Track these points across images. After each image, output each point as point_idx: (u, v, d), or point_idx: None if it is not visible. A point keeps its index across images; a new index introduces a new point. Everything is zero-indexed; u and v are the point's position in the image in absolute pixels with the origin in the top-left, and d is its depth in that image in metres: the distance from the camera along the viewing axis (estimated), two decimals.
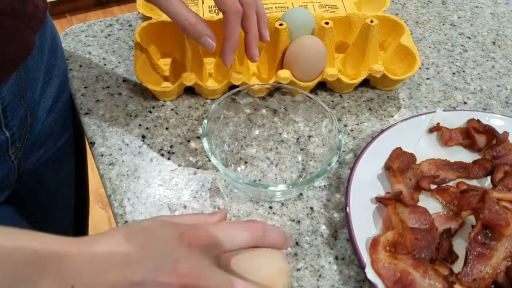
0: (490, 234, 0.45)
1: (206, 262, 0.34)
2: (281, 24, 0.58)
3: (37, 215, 0.69)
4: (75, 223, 0.80)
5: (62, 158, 0.68)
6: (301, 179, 0.54)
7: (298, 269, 0.46)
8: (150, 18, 0.63)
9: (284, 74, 0.58)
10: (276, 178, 0.54)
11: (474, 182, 0.53)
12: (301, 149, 0.57)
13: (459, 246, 0.46)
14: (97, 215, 1.50)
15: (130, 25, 0.69)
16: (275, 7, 0.71)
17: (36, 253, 0.31)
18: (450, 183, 0.52)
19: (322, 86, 0.63)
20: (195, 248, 0.34)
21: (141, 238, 0.34)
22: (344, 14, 0.65)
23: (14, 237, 0.31)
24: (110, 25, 0.69)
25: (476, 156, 0.55)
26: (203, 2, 0.71)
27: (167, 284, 0.33)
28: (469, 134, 0.55)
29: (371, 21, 0.58)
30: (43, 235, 0.32)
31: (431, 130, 0.56)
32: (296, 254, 0.47)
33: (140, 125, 0.57)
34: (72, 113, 0.64)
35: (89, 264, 0.32)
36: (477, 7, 0.80)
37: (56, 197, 0.71)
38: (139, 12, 0.64)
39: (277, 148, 0.57)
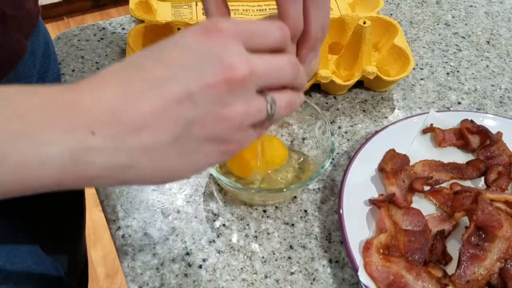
0: (483, 236, 0.45)
1: (244, 50, 0.28)
2: None
3: (32, 222, 0.68)
4: (72, 227, 0.80)
5: None
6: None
7: (292, 273, 0.46)
8: (143, 21, 0.63)
9: None
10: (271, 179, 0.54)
11: (468, 183, 0.53)
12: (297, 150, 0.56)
13: (453, 247, 0.46)
14: (96, 218, 1.50)
15: (123, 29, 0.69)
16: (269, 8, 0.71)
17: (40, 102, 0.24)
18: (444, 184, 0.52)
19: (316, 87, 0.63)
20: (233, 41, 0.27)
21: (161, 54, 0.27)
22: (338, 15, 0.64)
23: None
24: (103, 28, 0.69)
25: (470, 157, 0.55)
26: (196, 4, 0.71)
27: (218, 83, 0.26)
28: (463, 135, 0.55)
29: (364, 23, 0.58)
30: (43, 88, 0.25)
31: (424, 131, 0.56)
32: (290, 257, 0.47)
33: None
34: None
35: (107, 103, 0.24)
36: (471, 6, 0.80)
37: (50, 202, 0.71)
38: (132, 15, 0.64)
39: None
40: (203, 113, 0.26)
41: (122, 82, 0.25)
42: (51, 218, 0.73)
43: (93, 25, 0.69)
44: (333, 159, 0.56)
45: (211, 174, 0.52)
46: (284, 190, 0.48)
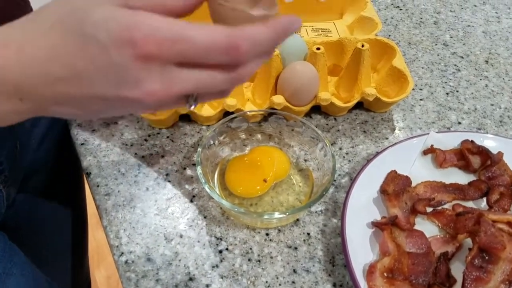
0: (486, 258, 0.45)
1: (171, 69, 0.27)
2: None
3: (32, 240, 0.68)
4: (74, 248, 0.80)
5: (57, 185, 0.68)
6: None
7: None
8: None
9: (278, 99, 0.59)
10: (272, 201, 0.54)
11: (470, 204, 0.53)
12: (298, 171, 0.57)
13: (457, 269, 0.46)
14: (99, 238, 1.49)
15: None
16: None
17: None
18: (446, 206, 0.52)
19: (317, 109, 0.64)
20: (154, 62, 0.27)
21: (84, 47, 0.26)
22: (336, 39, 0.65)
23: None
24: None
25: (471, 177, 0.55)
26: None
27: (136, 99, 0.28)
28: (463, 156, 0.55)
29: (362, 45, 0.59)
30: None
31: (425, 152, 0.56)
32: (293, 282, 0.47)
33: (136, 154, 0.57)
34: (67, 142, 0.64)
35: (32, 74, 0.27)
36: (469, 26, 0.81)
37: (51, 223, 0.71)
38: None
39: None
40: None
41: (44, 66, 0.27)
42: (51, 241, 0.73)
43: None
44: (334, 180, 0.56)
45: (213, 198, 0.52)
46: (287, 213, 0.48)
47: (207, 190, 0.48)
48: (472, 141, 0.56)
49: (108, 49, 0.25)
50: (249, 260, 0.49)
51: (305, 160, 0.58)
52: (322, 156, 0.54)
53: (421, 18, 0.81)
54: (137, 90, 0.27)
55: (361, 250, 0.47)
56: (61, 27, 0.26)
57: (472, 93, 0.68)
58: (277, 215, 0.48)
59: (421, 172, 0.55)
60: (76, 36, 0.26)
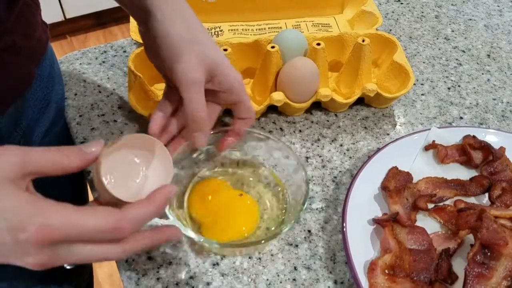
0: (488, 254, 0.44)
1: (57, 248, 0.32)
2: (273, 47, 0.58)
3: None
4: None
5: (58, 183, 0.67)
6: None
7: None
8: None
9: (278, 96, 0.59)
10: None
11: (472, 200, 0.52)
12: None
13: (459, 265, 0.46)
14: None
15: (124, 51, 0.70)
16: (268, 28, 0.72)
17: None
18: (448, 201, 0.52)
19: (317, 105, 0.63)
20: (43, 244, 0.31)
21: None
22: (337, 34, 0.65)
23: None
24: (105, 51, 0.69)
25: (473, 173, 0.55)
26: None
27: (26, 266, 0.32)
28: (465, 151, 0.55)
29: (363, 40, 0.58)
30: None
31: (426, 148, 0.56)
32: (294, 279, 0.47)
33: None
34: (68, 140, 0.64)
35: None
36: (470, 19, 0.80)
37: None
38: (132, 39, 0.64)
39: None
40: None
41: None
42: None
43: (95, 48, 0.70)
44: (335, 177, 0.56)
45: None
46: (263, 242, 0.45)
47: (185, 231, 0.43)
48: (474, 136, 0.55)
49: (4, 233, 0.31)
50: (249, 258, 0.48)
51: (307, 158, 0.57)
52: (294, 174, 0.50)
53: (422, 12, 0.81)
54: (24, 261, 0.32)
55: (362, 247, 0.47)
56: None
57: (474, 87, 0.68)
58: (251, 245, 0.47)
59: (422, 168, 0.54)
60: None
